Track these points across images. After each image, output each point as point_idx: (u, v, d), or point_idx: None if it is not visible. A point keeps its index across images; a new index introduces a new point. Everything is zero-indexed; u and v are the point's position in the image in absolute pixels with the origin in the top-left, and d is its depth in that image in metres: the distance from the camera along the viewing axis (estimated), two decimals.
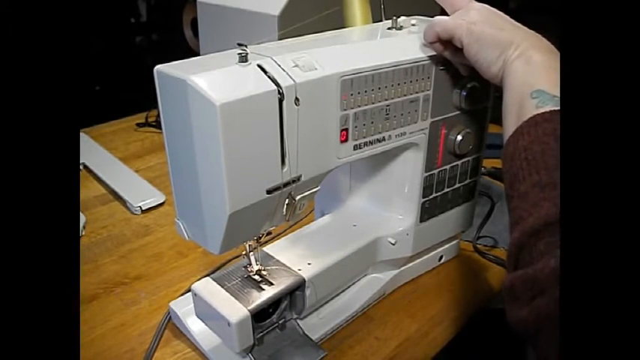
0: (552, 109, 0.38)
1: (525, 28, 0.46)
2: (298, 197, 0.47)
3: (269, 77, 0.41)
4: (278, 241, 0.60)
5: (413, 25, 0.56)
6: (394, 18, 0.56)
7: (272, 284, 0.52)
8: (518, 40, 0.44)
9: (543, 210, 0.33)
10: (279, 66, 0.42)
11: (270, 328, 0.54)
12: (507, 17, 0.47)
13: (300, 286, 0.53)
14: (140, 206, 0.80)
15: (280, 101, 0.41)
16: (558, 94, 0.39)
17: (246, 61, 0.41)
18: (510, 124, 0.42)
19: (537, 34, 0.46)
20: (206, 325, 0.54)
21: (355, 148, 0.50)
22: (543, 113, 0.38)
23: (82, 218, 0.77)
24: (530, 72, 0.42)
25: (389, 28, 0.56)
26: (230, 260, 0.67)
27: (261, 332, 0.53)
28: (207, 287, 0.52)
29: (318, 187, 0.50)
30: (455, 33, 0.48)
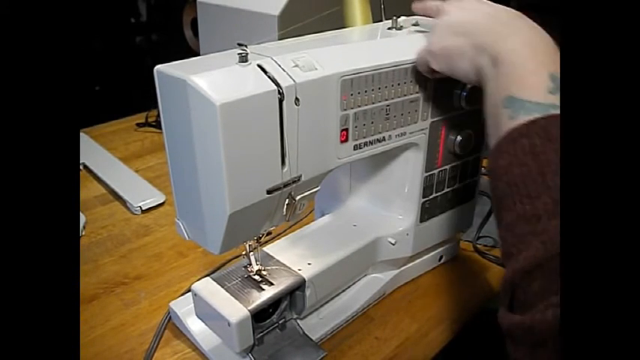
0: (528, 119, 0.36)
1: (507, 17, 0.42)
2: (298, 197, 0.47)
3: (269, 77, 0.41)
4: (278, 241, 0.60)
5: (413, 25, 0.56)
6: (394, 18, 0.56)
7: (272, 284, 0.52)
8: (485, 40, 0.42)
9: (531, 250, 0.33)
10: (279, 66, 0.42)
11: (270, 328, 0.54)
12: (484, 12, 0.44)
13: (300, 286, 0.53)
14: (140, 206, 0.80)
15: (280, 101, 0.41)
16: (532, 96, 0.37)
17: (246, 61, 0.41)
18: (491, 136, 0.40)
19: (518, 21, 0.42)
20: (206, 325, 0.54)
21: (355, 148, 0.50)
22: (520, 127, 0.36)
23: (82, 218, 0.77)
24: (499, 77, 0.40)
25: (389, 28, 0.56)
26: (230, 260, 0.67)
27: (261, 332, 0.53)
28: (207, 287, 0.52)
29: (318, 187, 0.50)
30: (425, 62, 0.48)
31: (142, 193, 0.83)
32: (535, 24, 0.42)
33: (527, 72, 0.38)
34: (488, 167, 0.39)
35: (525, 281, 0.33)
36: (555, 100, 0.36)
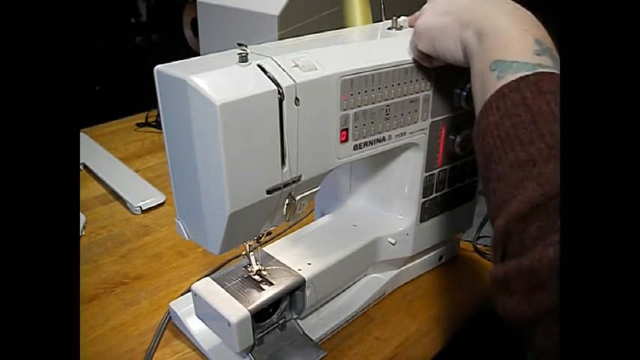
0: (516, 76, 0.36)
1: (492, 2, 0.42)
2: (298, 197, 0.47)
3: (269, 77, 0.41)
4: (278, 241, 0.60)
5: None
6: (394, 18, 0.56)
7: (272, 284, 0.52)
8: (470, 17, 0.42)
9: (528, 191, 0.31)
10: (279, 66, 0.42)
11: (270, 328, 0.54)
12: None
13: (300, 286, 0.53)
14: (140, 206, 0.80)
15: (280, 101, 0.41)
16: (517, 57, 0.37)
17: (246, 61, 0.41)
18: (478, 104, 0.40)
19: (501, 1, 0.42)
20: (206, 325, 0.54)
21: (355, 148, 0.50)
22: (509, 83, 0.36)
23: (82, 218, 0.77)
24: (483, 46, 0.40)
25: (389, 28, 0.56)
26: (230, 260, 0.67)
27: (261, 332, 0.53)
28: (207, 287, 0.52)
29: (318, 187, 0.50)
30: (414, 46, 0.49)
31: (142, 193, 0.83)
32: (518, 5, 0.42)
33: (512, 38, 0.38)
34: (475, 129, 0.38)
35: (521, 226, 0.31)
36: (541, 60, 0.36)
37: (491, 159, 0.35)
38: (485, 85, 0.38)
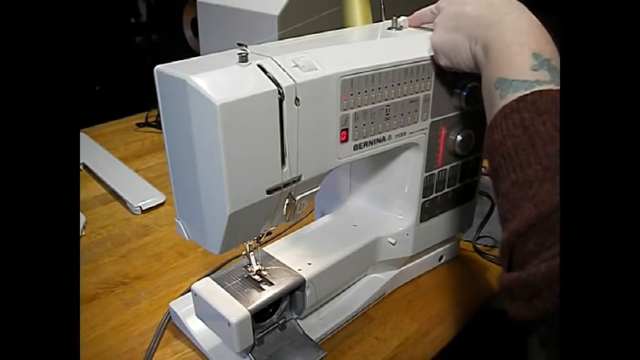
0: (516, 95, 0.39)
1: (496, 2, 0.44)
2: (298, 197, 0.47)
3: (269, 77, 0.41)
4: (278, 241, 0.60)
5: None
6: (394, 18, 0.56)
7: (272, 284, 0.52)
8: (477, 31, 0.45)
9: (525, 212, 0.35)
10: (279, 66, 0.42)
11: (270, 328, 0.54)
12: (473, 3, 0.46)
13: (300, 286, 0.53)
14: (140, 206, 0.80)
15: (280, 101, 0.41)
16: (518, 75, 0.40)
17: (246, 61, 0.41)
18: (487, 116, 0.43)
19: (504, 6, 0.44)
20: (206, 325, 0.54)
21: (355, 148, 0.50)
22: (511, 103, 0.39)
23: (82, 218, 0.77)
24: (489, 62, 0.43)
25: (389, 28, 0.56)
26: (230, 260, 0.67)
27: (261, 332, 0.53)
28: (207, 287, 0.52)
29: (318, 187, 0.50)
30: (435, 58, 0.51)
31: (142, 193, 0.83)
32: (522, 5, 0.44)
33: (512, 54, 0.41)
34: (484, 142, 0.42)
35: (521, 242, 0.35)
36: (539, 76, 0.39)
37: (497, 176, 0.39)
38: (491, 101, 0.42)
